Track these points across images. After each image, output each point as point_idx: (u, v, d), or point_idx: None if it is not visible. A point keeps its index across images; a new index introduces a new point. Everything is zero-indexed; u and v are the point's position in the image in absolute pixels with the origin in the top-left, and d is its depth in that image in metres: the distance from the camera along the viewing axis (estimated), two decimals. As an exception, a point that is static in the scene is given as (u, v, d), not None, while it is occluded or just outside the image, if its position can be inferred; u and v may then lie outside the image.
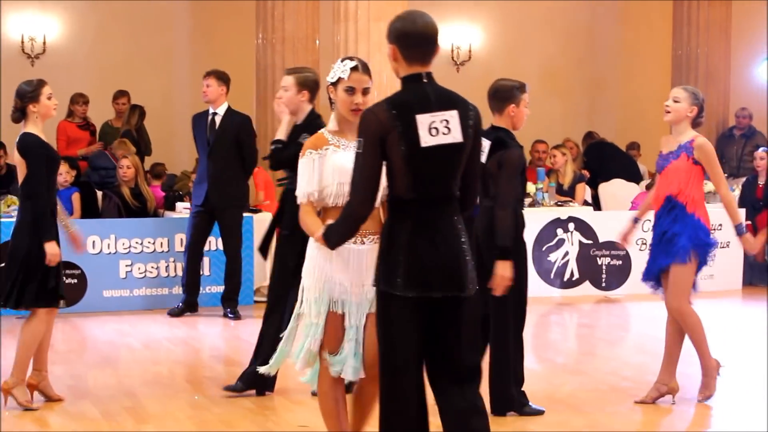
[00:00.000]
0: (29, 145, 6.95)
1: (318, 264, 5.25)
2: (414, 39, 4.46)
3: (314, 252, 5.27)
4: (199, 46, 16.18)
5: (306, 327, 5.30)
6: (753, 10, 17.10)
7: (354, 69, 5.26)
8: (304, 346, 5.31)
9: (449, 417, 4.57)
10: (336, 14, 12.41)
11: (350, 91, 5.25)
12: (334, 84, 5.29)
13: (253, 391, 7.35)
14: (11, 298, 7.02)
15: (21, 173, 7.01)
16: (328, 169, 5.24)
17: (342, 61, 5.33)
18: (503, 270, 6.39)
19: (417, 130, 4.39)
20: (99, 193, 11.76)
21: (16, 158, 7.06)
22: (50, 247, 6.93)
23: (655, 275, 7.22)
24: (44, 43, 15.72)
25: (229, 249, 10.54)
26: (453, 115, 4.43)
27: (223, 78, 10.58)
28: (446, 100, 4.48)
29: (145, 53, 15.88)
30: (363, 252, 5.18)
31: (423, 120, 4.39)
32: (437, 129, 4.39)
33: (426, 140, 4.38)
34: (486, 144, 6.55)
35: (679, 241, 7.02)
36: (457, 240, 4.51)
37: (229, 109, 10.60)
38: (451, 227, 4.51)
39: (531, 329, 10.39)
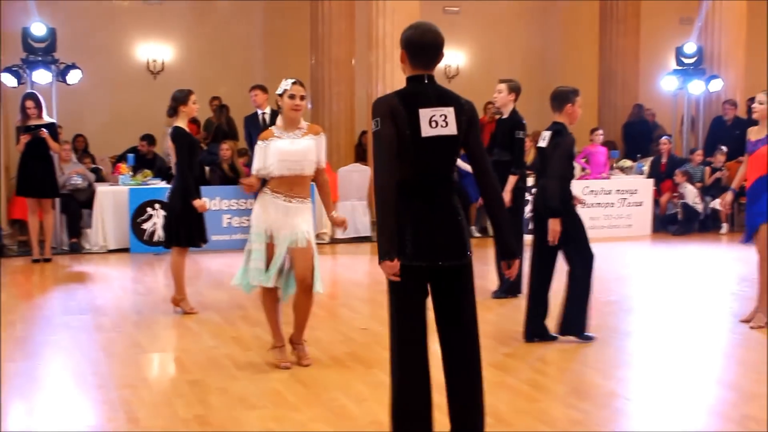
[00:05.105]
0: (177, 135, 7.05)
1: (261, 213, 5.56)
2: (420, 48, 3.69)
3: (257, 207, 5.59)
4: (270, 63, 16.15)
5: (254, 252, 5.59)
6: (658, 37, 17.19)
7: (294, 83, 5.57)
8: (252, 266, 5.61)
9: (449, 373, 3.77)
10: (368, 41, 12.47)
11: (292, 97, 5.53)
12: (281, 95, 5.57)
13: None
14: (172, 240, 7.19)
15: (173, 154, 7.12)
16: (272, 153, 5.52)
17: (285, 80, 5.60)
18: (554, 225, 5.99)
19: (419, 121, 3.63)
20: (206, 168, 11.89)
21: (169, 144, 7.16)
22: (198, 203, 7.09)
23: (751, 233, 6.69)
24: (162, 63, 15.73)
25: None
26: (450, 111, 3.68)
27: (265, 89, 10.73)
28: (444, 97, 3.72)
29: (232, 69, 15.84)
30: (290, 207, 5.53)
31: (424, 113, 3.64)
32: (436, 122, 3.65)
33: (426, 131, 3.63)
34: (547, 134, 6.17)
35: None
36: (456, 216, 3.74)
37: (272, 110, 10.66)
38: (450, 205, 3.73)
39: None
